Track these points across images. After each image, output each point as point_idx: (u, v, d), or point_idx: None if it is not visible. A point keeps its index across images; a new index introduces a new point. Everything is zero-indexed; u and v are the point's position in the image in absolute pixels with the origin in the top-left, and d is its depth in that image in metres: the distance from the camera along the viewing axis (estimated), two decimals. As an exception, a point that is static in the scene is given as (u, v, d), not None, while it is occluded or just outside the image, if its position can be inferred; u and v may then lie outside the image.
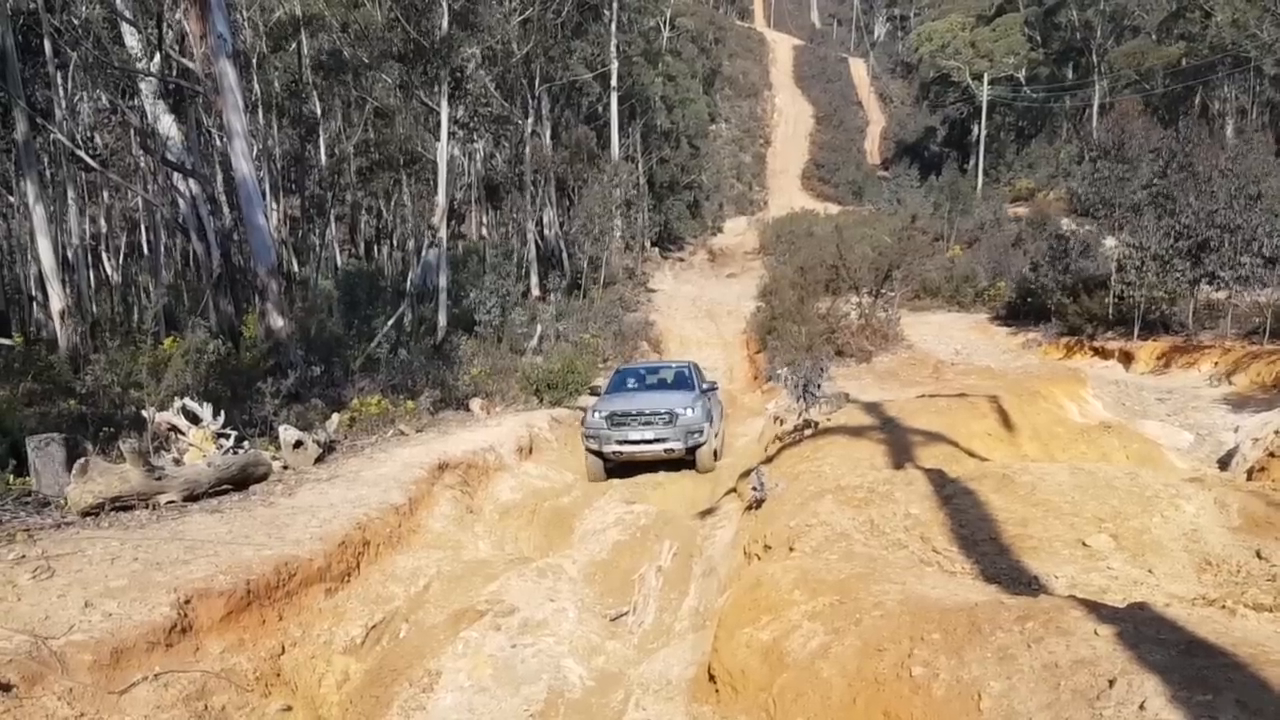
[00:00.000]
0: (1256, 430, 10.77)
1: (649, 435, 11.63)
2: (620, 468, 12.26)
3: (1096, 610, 3.87)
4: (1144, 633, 3.55)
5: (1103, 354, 20.39)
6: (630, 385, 13.63)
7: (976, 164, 54.62)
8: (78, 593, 5.28)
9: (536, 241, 29.20)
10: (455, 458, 10.75)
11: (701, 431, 11.76)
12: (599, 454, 11.92)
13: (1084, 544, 5.70)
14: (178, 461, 8.42)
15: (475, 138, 29.08)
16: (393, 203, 32.98)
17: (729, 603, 5.77)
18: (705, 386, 13.11)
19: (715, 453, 12.33)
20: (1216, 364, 16.83)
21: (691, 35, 55.79)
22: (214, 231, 14.92)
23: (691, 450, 11.80)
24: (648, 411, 11.78)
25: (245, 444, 9.33)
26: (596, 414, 12.01)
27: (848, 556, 5.65)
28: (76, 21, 17.93)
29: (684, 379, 13.45)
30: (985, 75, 54.71)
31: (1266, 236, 18.23)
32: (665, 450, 11.72)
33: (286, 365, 12.52)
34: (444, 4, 19.31)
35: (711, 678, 5.23)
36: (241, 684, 5.37)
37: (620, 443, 11.69)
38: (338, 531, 7.31)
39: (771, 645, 4.73)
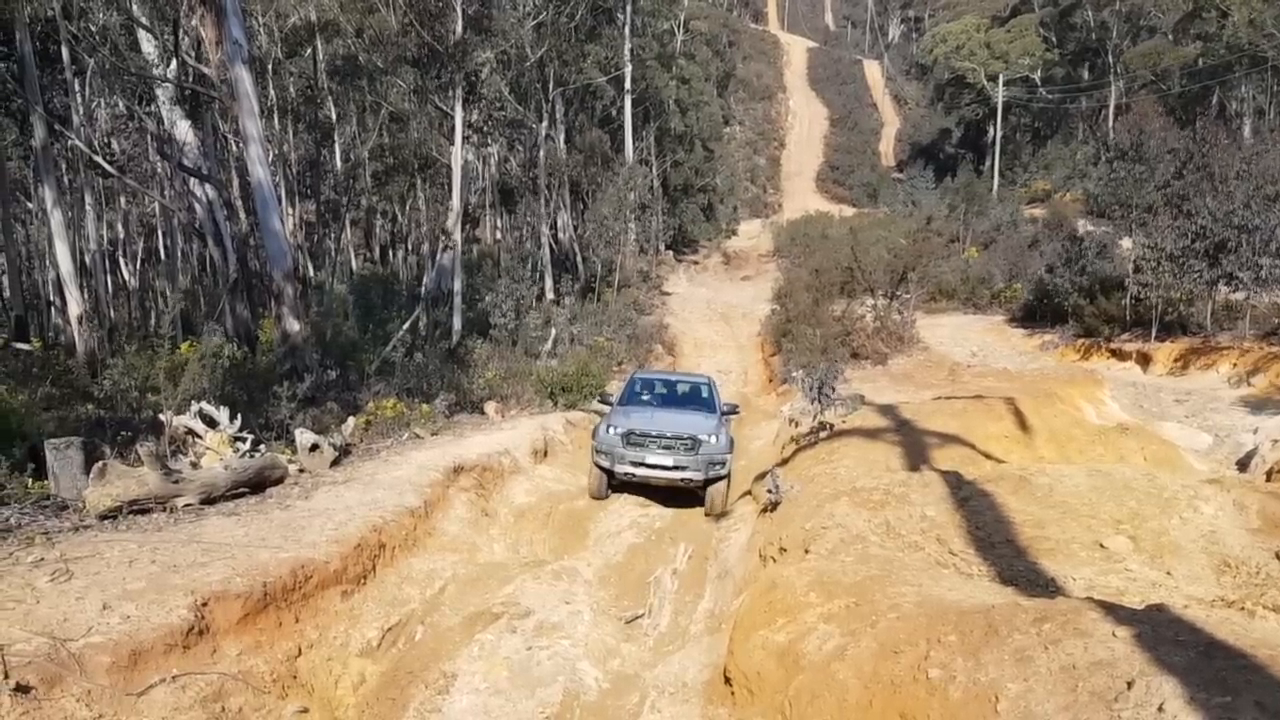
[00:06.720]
0: (1276, 431, 10.70)
1: (668, 461, 10.72)
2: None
3: (1114, 612, 3.84)
4: (1162, 634, 3.53)
5: (1120, 356, 20.28)
6: (646, 398, 12.78)
7: (992, 165, 54.44)
8: (96, 595, 5.30)
9: (551, 245, 29.24)
10: (470, 461, 10.76)
11: (724, 463, 10.82)
12: (608, 472, 11.05)
13: (1101, 546, 5.67)
14: (195, 465, 8.46)
15: (489, 142, 29.16)
16: (407, 207, 33.07)
17: (744, 605, 5.76)
18: (725, 409, 12.10)
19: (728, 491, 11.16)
20: (1235, 365, 16.72)
21: (705, 38, 55.89)
22: (230, 236, 15.01)
23: (709, 482, 10.83)
24: (669, 435, 10.84)
25: (261, 447, 9.35)
26: (612, 429, 11.01)
27: (863, 559, 5.63)
28: (94, 28, 18.08)
29: (704, 398, 12.63)
30: (1000, 76, 54.56)
31: (1287, 237, 18.09)
32: (682, 479, 10.80)
33: (302, 369, 12.55)
34: (458, 9, 19.39)
35: (727, 680, 5.22)
36: (258, 686, 5.39)
37: (635, 464, 10.79)
38: (353, 534, 7.32)
39: (787, 647, 4.73)
